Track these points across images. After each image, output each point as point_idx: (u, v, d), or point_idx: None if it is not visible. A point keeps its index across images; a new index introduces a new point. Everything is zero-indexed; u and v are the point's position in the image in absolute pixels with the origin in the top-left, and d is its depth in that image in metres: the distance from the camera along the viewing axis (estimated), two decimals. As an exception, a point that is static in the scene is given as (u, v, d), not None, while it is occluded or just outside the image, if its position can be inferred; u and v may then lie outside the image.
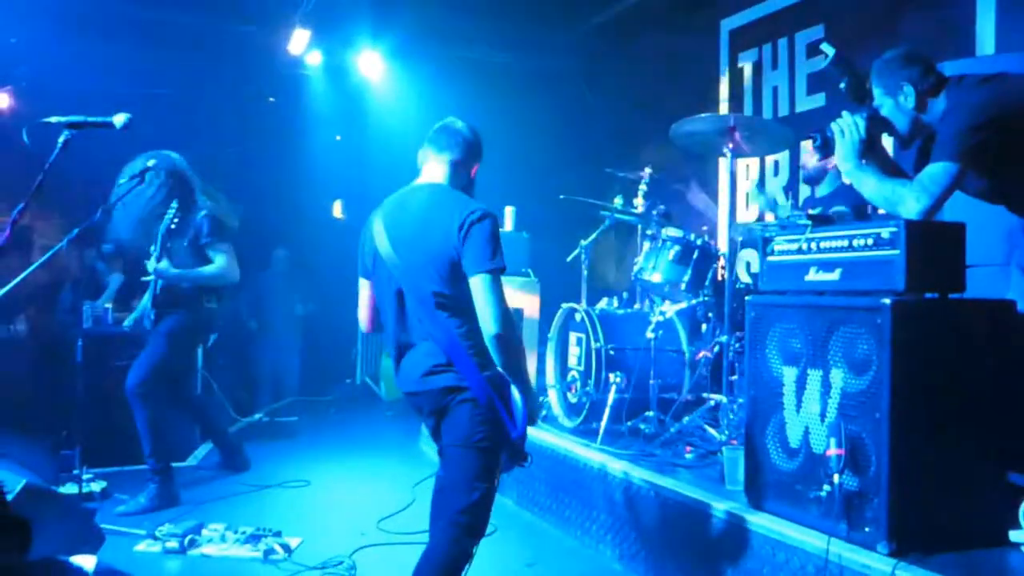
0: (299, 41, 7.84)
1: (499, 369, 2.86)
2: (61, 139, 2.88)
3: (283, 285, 9.10)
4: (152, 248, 4.86)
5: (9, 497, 3.05)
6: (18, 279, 3.08)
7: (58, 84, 6.94)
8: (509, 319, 2.82)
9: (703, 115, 4.61)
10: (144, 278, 4.97)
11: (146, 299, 5.07)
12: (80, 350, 5.02)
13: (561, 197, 5.28)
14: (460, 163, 3.08)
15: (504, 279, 2.89)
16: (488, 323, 2.78)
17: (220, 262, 5.00)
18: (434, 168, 3.08)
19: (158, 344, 5.01)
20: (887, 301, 2.83)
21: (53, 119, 2.89)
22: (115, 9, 7.34)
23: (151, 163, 4.55)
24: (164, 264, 4.84)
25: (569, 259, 5.69)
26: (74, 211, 4.76)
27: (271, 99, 9.26)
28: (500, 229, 2.94)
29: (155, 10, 7.44)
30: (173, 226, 4.76)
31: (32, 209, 2.83)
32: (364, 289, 3.17)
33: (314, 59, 8.48)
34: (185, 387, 5.52)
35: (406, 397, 3.06)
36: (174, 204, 4.81)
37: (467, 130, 3.11)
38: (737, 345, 4.49)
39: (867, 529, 2.85)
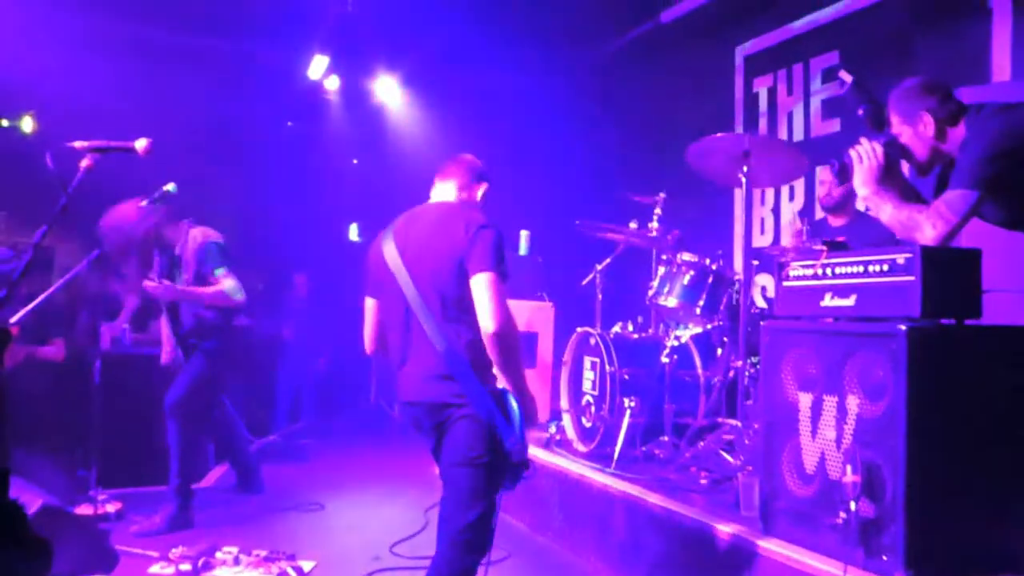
0: (318, 66, 7.94)
1: (497, 373, 2.91)
2: (84, 163, 2.92)
3: (302, 308, 9.15)
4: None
5: (26, 517, 3.06)
6: (40, 299, 3.12)
7: (80, 107, 7.05)
8: (508, 318, 2.87)
9: (718, 135, 4.60)
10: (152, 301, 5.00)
11: (167, 333, 5.12)
12: (98, 371, 5.06)
13: (576, 223, 5.30)
14: (464, 184, 3.23)
15: (518, 302, 2.95)
16: (487, 320, 2.84)
17: (220, 284, 4.97)
18: (442, 191, 3.24)
19: (197, 364, 5.06)
20: (903, 327, 2.83)
21: (77, 143, 2.94)
22: (137, 33, 7.45)
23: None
24: (154, 282, 4.84)
25: (584, 283, 5.70)
26: (93, 233, 4.80)
27: (289, 123, 9.36)
28: (510, 250, 3.03)
29: (176, 35, 7.55)
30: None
31: (54, 232, 2.87)
32: (370, 309, 3.23)
33: (332, 84, 8.58)
34: (214, 405, 5.54)
35: (404, 409, 3.11)
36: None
37: (468, 156, 3.32)
38: (752, 370, 4.47)
39: (884, 557, 2.82)
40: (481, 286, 2.87)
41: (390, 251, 3.05)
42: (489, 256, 2.89)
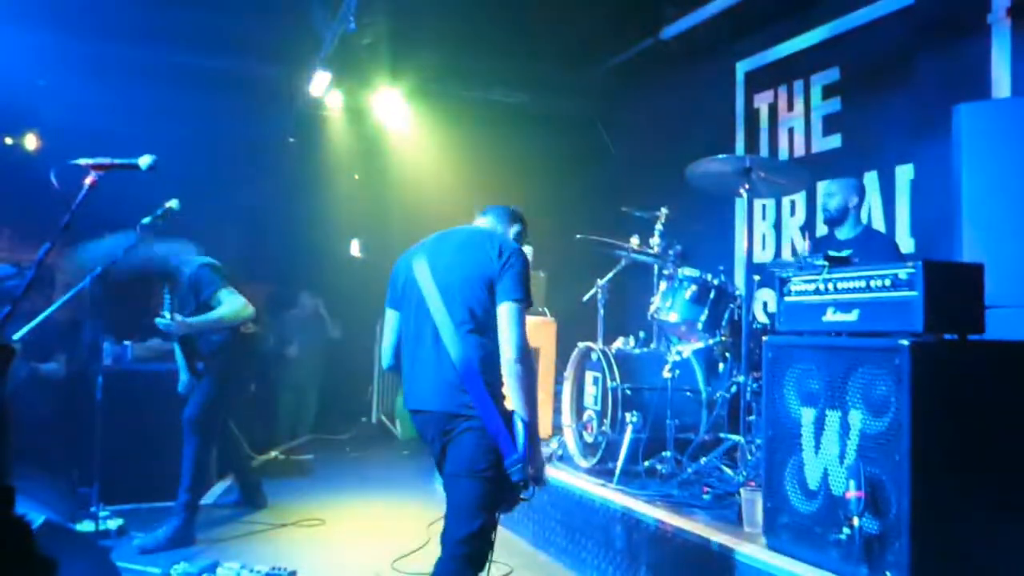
0: (320, 83, 7.96)
1: (510, 396, 2.92)
2: (87, 180, 2.93)
3: (302, 325, 9.15)
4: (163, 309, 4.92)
5: (28, 534, 3.05)
6: (43, 315, 3.13)
7: (83, 125, 7.08)
8: (527, 349, 2.94)
9: (719, 156, 4.63)
10: (164, 337, 5.03)
11: (179, 359, 5.12)
12: (100, 387, 5.04)
13: (577, 236, 5.31)
14: (499, 223, 3.32)
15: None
16: (508, 348, 2.91)
17: (225, 305, 4.99)
18: (477, 222, 3.35)
19: (210, 381, 5.06)
20: (906, 342, 2.83)
21: (80, 161, 2.95)
22: (139, 52, 7.48)
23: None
24: (166, 319, 4.84)
25: (585, 298, 5.70)
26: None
27: (291, 140, 9.38)
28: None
29: (178, 53, 7.58)
30: (167, 315, 4.82)
31: (57, 248, 2.88)
32: (391, 320, 3.26)
33: (334, 100, 8.60)
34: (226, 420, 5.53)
35: (413, 417, 3.13)
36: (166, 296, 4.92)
37: (510, 206, 3.42)
38: (754, 385, 4.47)
39: (888, 573, 2.81)
40: (508, 315, 2.95)
41: (420, 266, 3.12)
42: (518, 285, 2.99)
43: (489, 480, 2.90)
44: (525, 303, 2.99)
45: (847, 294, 3.19)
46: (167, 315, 4.79)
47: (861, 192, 5.14)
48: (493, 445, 2.88)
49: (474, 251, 3.07)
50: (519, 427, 2.89)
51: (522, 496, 2.95)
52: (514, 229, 3.34)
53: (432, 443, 3.06)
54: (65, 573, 3.17)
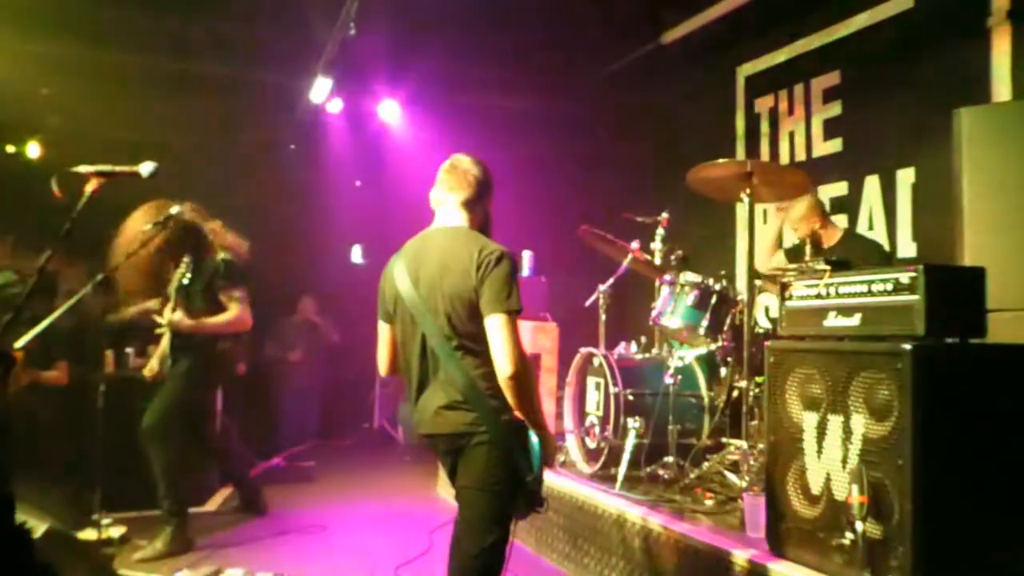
0: (321, 89, 7.97)
1: (515, 411, 2.87)
2: (89, 188, 2.93)
3: (301, 331, 9.16)
4: (170, 299, 4.94)
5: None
6: (45, 323, 3.13)
7: (85, 133, 7.10)
8: (523, 360, 2.81)
9: (720, 161, 4.62)
10: (158, 330, 5.05)
11: (164, 348, 5.12)
12: (102, 394, 5.05)
13: (582, 228, 5.31)
14: (473, 201, 3.09)
15: (522, 323, 2.91)
16: (502, 363, 2.78)
17: (233, 310, 5.02)
18: (449, 210, 3.11)
19: (174, 384, 5.06)
20: (908, 346, 2.82)
21: (81, 168, 2.95)
22: (140, 60, 7.50)
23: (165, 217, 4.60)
24: (178, 315, 4.92)
25: (587, 303, 5.70)
26: (98, 256, 4.82)
27: (292, 146, 9.39)
28: (518, 272, 2.96)
29: (180, 60, 7.60)
30: (186, 281, 4.86)
31: (59, 255, 2.88)
32: (384, 333, 3.18)
33: (335, 107, 8.62)
34: (206, 429, 5.53)
35: (423, 438, 3.07)
36: (186, 260, 4.94)
37: (475, 166, 3.13)
38: (756, 390, 4.46)
39: (891, 578, 2.81)
40: (494, 329, 2.80)
41: (403, 282, 2.99)
42: (501, 295, 2.81)
43: (500, 494, 2.86)
44: (512, 311, 2.81)
45: (849, 298, 3.19)
46: (168, 311, 4.82)
47: (816, 208, 5.27)
48: (504, 458, 2.83)
49: (454, 266, 2.90)
50: (532, 441, 2.86)
51: (536, 509, 2.94)
52: (488, 200, 3.13)
53: (444, 457, 3.01)
54: (67, 581, 3.16)
